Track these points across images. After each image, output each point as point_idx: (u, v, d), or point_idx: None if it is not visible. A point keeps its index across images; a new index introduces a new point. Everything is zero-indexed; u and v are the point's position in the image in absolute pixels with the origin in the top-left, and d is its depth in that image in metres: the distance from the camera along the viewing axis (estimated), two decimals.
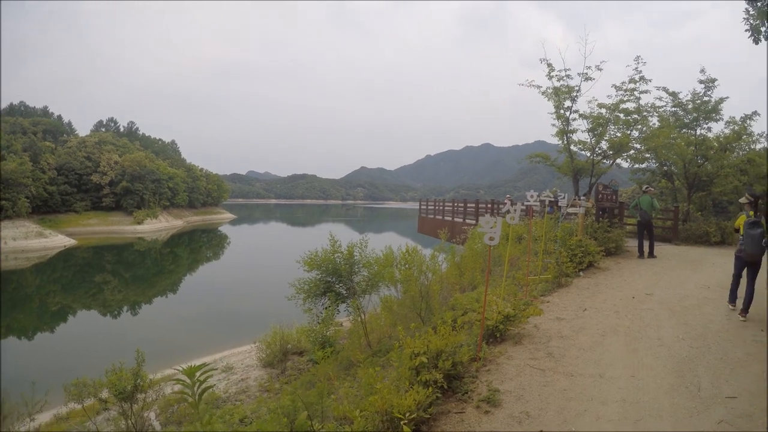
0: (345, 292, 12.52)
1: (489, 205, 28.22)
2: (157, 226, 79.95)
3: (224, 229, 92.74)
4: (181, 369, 4.79)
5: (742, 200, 8.50)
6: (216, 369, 16.40)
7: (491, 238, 6.15)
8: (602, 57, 19.85)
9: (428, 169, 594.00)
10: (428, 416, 4.74)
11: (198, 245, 70.00)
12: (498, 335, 7.13)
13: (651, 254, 14.36)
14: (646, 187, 14.98)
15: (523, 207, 9.85)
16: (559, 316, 8.33)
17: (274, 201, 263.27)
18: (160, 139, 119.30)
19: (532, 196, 9.79)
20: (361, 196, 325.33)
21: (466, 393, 5.48)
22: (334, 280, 12.39)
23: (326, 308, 12.69)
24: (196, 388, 4.85)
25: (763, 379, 5.83)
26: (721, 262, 13.89)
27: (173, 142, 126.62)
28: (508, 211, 8.02)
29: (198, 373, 4.92)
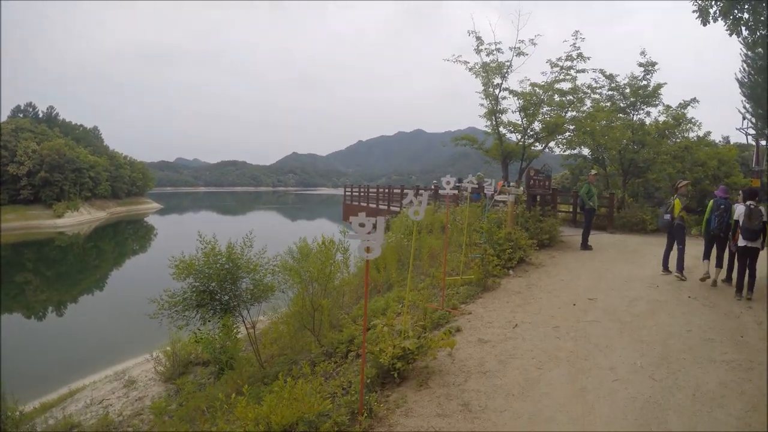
0: (231, 300, 10.17)
1: (418, 190, 26.34)
2: (79, 219, 73.73)
3: (151, 219, 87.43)
4: None
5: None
6: (120, 382, 14.83)
7: (368, 250, 4.12)
8: (539, 49, 18.69)
9: (361, 154, 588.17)
10: None
11: (123, 238, 65.21)
12: (396, 374, 5.07)
13: (584, 245, 12.87)
14: (593, 172, 13.60)
15: (425, 192, 7.86)
16: (482, 337, 6.33)
17: (203, 189, 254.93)
18: (81, 125, 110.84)
19: (448, 183, 7.77)
20: (292, 182, 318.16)
21: None
22: (215, 288, 9.97)
23: (222, 319, 10.36)
24: None
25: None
26: (662, 253, 12.50)
27: (95, 128, 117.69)
28: (411, 203, 5.92)
29: None
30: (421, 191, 25.20)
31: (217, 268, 9.75)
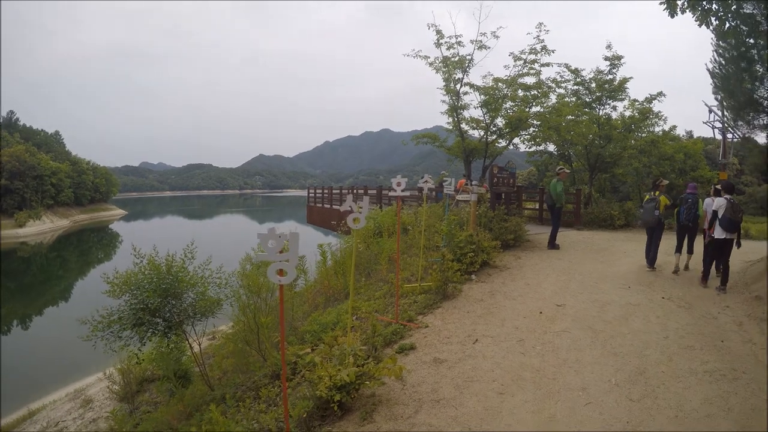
0: (173, 317, 9.23)
1: (381, 191, 25.61)
2: (41, 227, 71.69)
3: (116, 226, 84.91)
4: None
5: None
6: (78, 401, 14.34)
7: (280, 273, 3.32)
8: (502, 44, 18.28)
9: (327, 155, 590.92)
10: None
11: (87, 246, 63.31)
12: (336, 407, 4.31)
13: (551, 244, 12.33)
14: (559, 169, 13.06)
15: (365, 197, 7.10)
16: (438, 356, 5.58)
17: (169, 193, 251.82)
18: (42, 130, 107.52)
19: (399, 184, 7.04)
20: (259, 184, 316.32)
21: None
22: (157, 304, 8.97)
23: (165, 337, 9.43)
24: None
25: None
26: (631, 250, 12.14)
27: (57, 133, 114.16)
28: (350, 210, 5.09)
29: None
30: (374, 191, 24.44)
31: (156, 282, 8.83)
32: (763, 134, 9.81)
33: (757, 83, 9.25)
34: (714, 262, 8.84)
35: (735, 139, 18.32)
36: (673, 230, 11.04)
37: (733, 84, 9.66)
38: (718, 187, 9.01)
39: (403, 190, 7.13)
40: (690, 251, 10.04)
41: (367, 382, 4.55)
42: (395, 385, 4.88)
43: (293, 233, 3.36)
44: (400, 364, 4.70)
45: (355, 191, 28.12)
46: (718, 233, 8.30)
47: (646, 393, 4.63)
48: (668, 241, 10.95)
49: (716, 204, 8.40)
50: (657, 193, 10.07)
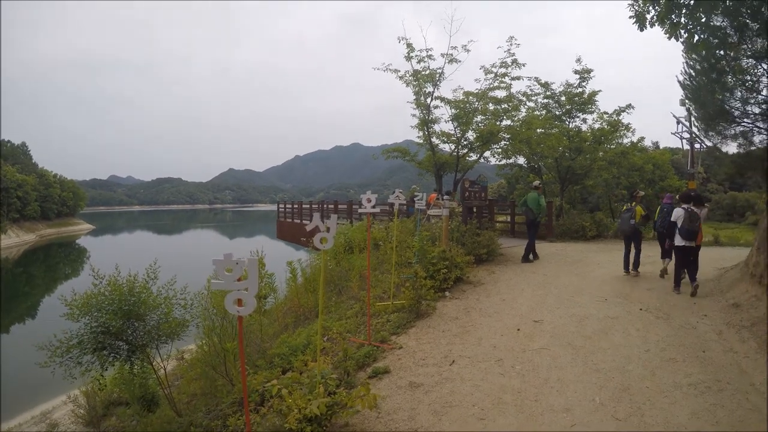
0: (136, 340, 8.73)
1: (351, 205, 25.41)
2: (7, 242, 69.58)
3: (83, 241, 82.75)
4: None
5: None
6: (44, 425, 13.47)
7: (239, 303, 3.01)
8: (473, 59, 18.31)
9: (298, 169, 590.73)
10: None
11: (54, 261, 61.39)
12: None
13: (525, 257, 12.17)
14: (537, 183, 12.99)
15: (333, 215, 6.78)
16: (413, 380, 5.28)
17: (137, 208, 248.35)
18: (8, 141, 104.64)
19: (369, 200, 6.78)
20: (229, 199, 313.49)
21: None
22: (122, 327, 8.46)
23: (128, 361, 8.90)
24: None
25: None
26: (605, 261, 12.10)
27: (24, 144, 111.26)
28: (316, 229, 4.74)
29: None
30: (341, 208, 24.15)
31: (118, 303, 8.35)
32: (734, 143, 9.86)
33: (727, 94, 9.32)
34: (684, 268, 9.03)
35: (702, 149, 18.65)
36: (647, 240, 11.44)
37: (704, 95, 9.71)
38: (691, 195, 9.22)
39: (373, 206, 6.86)
40: (669, 257, 10.15)
41: (340, 412, 4.25)
42: (370, 414, 4.58)
43: (252, 259, 3.04)
44: (373, 391, 4.40)
45: (325, 206, 27.83)
46: (678, 241, 8.76)
47: (632, 411, 4.43)
48: (645, 252, 11.14)
49: (675, 215, 8.85)
50: (633, 203, 10.53)
